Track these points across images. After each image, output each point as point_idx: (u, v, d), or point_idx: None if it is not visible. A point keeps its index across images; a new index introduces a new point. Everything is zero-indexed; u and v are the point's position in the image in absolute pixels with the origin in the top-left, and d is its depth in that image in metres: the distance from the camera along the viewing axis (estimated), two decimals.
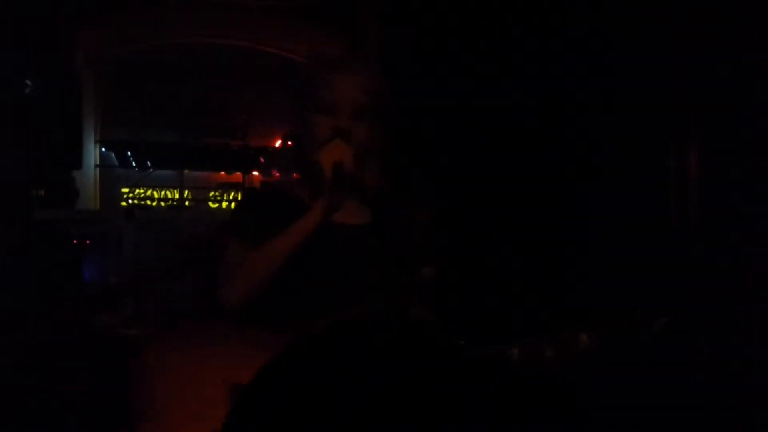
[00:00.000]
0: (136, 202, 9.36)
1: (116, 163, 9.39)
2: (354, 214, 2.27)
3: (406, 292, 2.23)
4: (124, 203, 9.31)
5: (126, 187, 9.41)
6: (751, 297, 3.58)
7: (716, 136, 3.87)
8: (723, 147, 3.86)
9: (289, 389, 2.00)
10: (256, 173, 9.52)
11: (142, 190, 9.44)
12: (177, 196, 9.53)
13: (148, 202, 9.43)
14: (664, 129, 4.11)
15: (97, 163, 9.39)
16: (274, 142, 9.45)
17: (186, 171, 9.48)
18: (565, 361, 2.11)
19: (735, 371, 3.62)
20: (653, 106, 4.07)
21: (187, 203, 9.50)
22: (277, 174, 9.35)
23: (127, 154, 9.36)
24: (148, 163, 9.39)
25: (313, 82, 2.27)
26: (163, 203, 9.49)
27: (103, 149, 9.41)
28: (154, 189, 9.47)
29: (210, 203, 9.60)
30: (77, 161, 6.72)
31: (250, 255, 2.23)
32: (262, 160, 9.41)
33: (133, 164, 9.38)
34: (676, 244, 3.95)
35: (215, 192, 9.62)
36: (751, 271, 3.55)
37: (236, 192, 9.54)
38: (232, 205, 9.53)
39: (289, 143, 9.45)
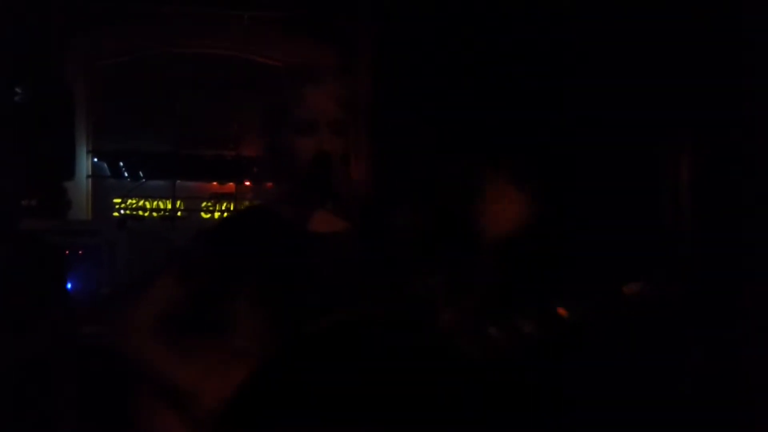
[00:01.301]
0: (128, 212, 9.33)
1: (108, 173, 9.37)
2: (333, 222, 2.26)
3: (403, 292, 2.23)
4: (116, 214, 9.28)
5: (118, 197, 9.38)
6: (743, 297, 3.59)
7: (709, 145, 3.87)
8: (715, 156, 3.86)
9: (285, 383, 2.00)
10: (248, 183, 9.51)
11: (134, 201, 9.41)
12: (169, 206, 9.50)
13: (141, 213, 9.40)
14: (658, 138, 4.12)
15: (90, 173, 9.36)
16: None
17: (178, 181, 9.46)
18: (546, 337, 2.09)
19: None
20: (649, 116, 4.07)
21: (179, 214, 9.47)
22: (270, 185, 9.32)
23: (119, 164, 9.33)
24: (141, 173, 9.36)
25: (288, 99, 2.26)
26: (155, 214, 9.47)
27: (96, 159, 9.39)
28: (146, 199, 9.45)
29: (202, 214, 9.57)
30: (69, 171, 6.69)
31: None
32: (255, 170, 9.38)
33: (126, 175, 9.35)
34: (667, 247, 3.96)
35: (208, 202, 9.60)
36: (747, 277, 3.56)
37: (229, 202, 9.52)
38: (225, 215, 9.52)
39: None
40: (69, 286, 5.84)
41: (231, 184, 9.49)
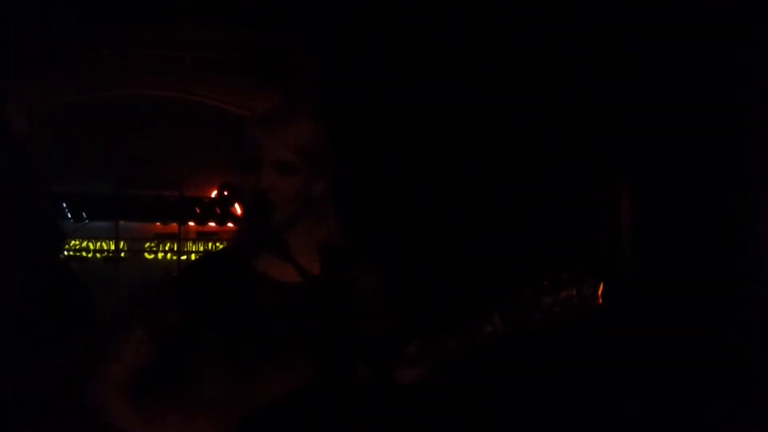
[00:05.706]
0: (71, 253, 9.29)
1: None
2: (287, 271, 2.27)
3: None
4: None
5: None
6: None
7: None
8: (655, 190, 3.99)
9: None
10: (191, 224, 9.52)
11: (77, 242, 9.38)
12: (113, 247, 9.48)
13: (84, 254, 9.37)
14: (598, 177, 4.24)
15: None
16: (210, 193, 9.47)
17: (121, 222, 9.45)
18: (437, 366, 2.12)
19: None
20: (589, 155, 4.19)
21: (122, 254, 9.45)
22: (214, 224, 9.37)
23: (61, 205, 9.30)
24: (83, 214, 9.34)
25: (241, 139, 2.29)
26: (98, 255, 9.44)
27: None
28: (89, 240, 9.42)
29: (146, 254, 9.56)
30: None
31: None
32: (197, 210, 9.41)
33: (68, 215, 9.32)
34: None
35: (151, 243, 9.59)
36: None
37: (172, 243, 9.52)
38: (168, 255, 9.52)
39: (225, 193, 9.48)
40: None
41: (174, 224, 9.49)
